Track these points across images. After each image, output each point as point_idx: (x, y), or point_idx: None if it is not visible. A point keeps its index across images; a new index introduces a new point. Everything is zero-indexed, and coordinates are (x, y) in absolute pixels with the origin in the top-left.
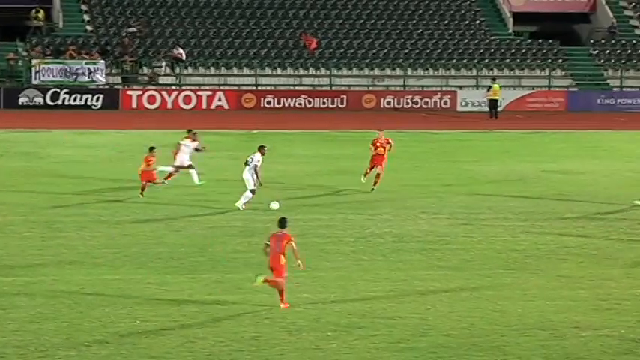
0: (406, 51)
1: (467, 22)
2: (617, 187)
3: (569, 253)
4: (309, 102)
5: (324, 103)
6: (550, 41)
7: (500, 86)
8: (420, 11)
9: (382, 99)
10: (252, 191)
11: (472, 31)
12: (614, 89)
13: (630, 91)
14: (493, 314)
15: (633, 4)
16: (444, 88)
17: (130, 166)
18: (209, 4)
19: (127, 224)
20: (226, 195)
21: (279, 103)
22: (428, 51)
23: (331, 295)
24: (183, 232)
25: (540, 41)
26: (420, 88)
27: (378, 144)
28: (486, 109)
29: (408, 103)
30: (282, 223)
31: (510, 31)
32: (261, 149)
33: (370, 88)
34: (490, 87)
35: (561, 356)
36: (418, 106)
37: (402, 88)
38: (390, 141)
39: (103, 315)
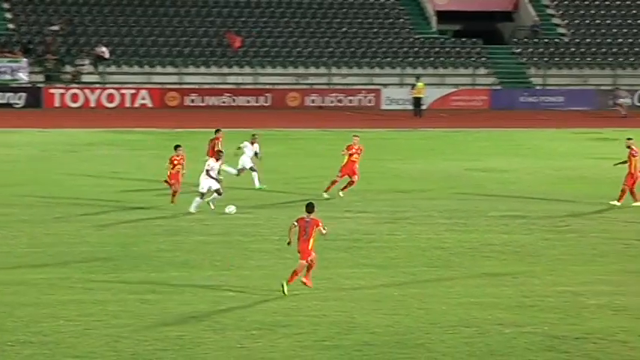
0: (330, 49)
1: (391, 20)
2: (540, 184)
3: (492, 250)
4: (234, 100)
5: (248, 101)
6: (474, 40)
7: (425, 84)
8: (344, 9)
9: (306, 97)
10: (202, 195)
11: (396, 30)
12: (537, 87)
13: (553, 89)
14: (418, 312)
15: (556, 2)
16: (368, 87)
17: (52, 165)
18: (132, 2)
19: (51, 223)
20: (150, 194)
21: (203, 101)
22: (352, 49)
23: (255, 294)
24: (107, 231)
25: (464, 40)
26: (345, 87)
27: (354, 150)
28: (411, 107)
29: (332, 102)
30: (310, 207)
31: (434, 29)
32: (217, 153)
33: (294, 86)
34: (414, 85)
35: (485, 353)
36: (342, 104)
37: (326, 87)
38: (362, 148)
39: (25, 315)
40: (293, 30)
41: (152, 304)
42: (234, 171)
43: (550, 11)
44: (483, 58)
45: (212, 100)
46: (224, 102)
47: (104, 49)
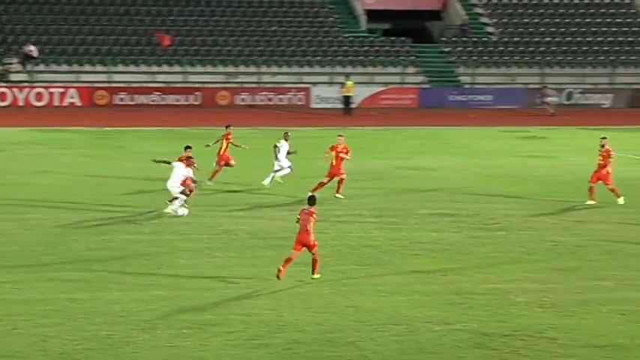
0: (260, 48)
1: (320, 19)
2: (469, 182)
3: (422, 248)
4: (163, 99)
5: (177, 100)
6: (403, 39)
7: (354, 83)
8: (274, 8)
9: (236, 96)
10: (183, 192)
11: (326, 29)
12: (466, 86)
13: (481, 88)
14: (347, 310)
15: (484, 2)
16: (297, 85)
17: None
18: (60, 0)
19: None
20: (78, 193)
21: (132, 100)
22: (282, 48)
23: (185, 292)
24: (36, 230)
25: (393, 39)
26: (275, 85)
27: (339, 149)
28: (340, 105)
29: (262, 100)
30: (312, 200)
31: (363, 28)
32: (187, 160)
33: (224, 85)
34: (344, 84)
35: (415, 351)
36: (272, 102)
37: (256, 85)
38: (348, 148)
39: None
40: (223, 29)
41: (81, 303)
42: (287, 169)
43: (478, 10)
44: (412, 57)
45: (141, 98)
46: (153, 100)
47: (32, 47)
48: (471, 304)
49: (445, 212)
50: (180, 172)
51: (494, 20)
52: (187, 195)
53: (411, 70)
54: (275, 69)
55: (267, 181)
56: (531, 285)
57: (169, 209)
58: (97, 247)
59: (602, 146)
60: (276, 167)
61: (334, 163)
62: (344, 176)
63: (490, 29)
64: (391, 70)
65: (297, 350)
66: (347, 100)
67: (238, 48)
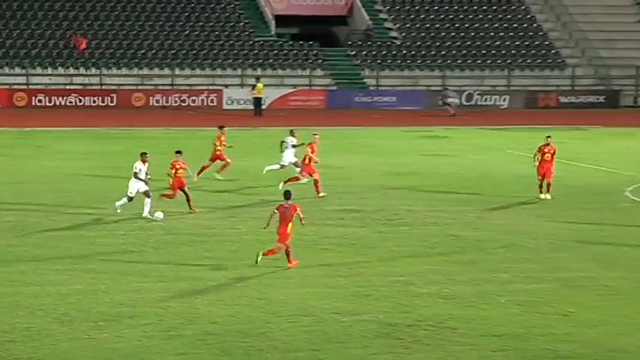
0: (174, 51)
1: (232, 24)
2: (375, 180)
3: (330, 243)
4: (80, 100)
5: (94, 101)
6: (310, 43)
7: (264, 85)
8: (187, 13)
9: (151, 97)
10: (131, 198)
11: (237, 33)
12: (371, 88)
13: (386, 89)
14: (258, 302)
15: (388, 7)
16: (210, 87)
17: None
18: None
19: None
20: None
21: (50, 101)
22: (195, 51)
23: (102, 286)
24: None
25: (301, 43)
26: (188, 87)
27: (315, 147)
28: (251, 107)
29: (176, 102)
30: (288, 195)
31: (273, 33)
32: (142, 156)
33: (139, 87)
34: (254, 86)
35: (323, 341)
36: (186, 104)
37: (170, 87)
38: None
39: None
40: (138, 32)
41: (2, 297)
42: (276, 166)
43: (383, 16)
44: (320, 60)
45: (59, 100)
46: (71, 102)
47: None
48: (377, 296)
49: (352, 208)
50: (142, 173)
51: (398, 25)
52: (149, 196)
53: (318, 72)
54: (188, 71)
55: (270, 167)
56: (433, 277)
57: (145, 214)
58: (17, 244)
59: (548, 144)
60: (281, 163)
61: (308, 162)
62: (316, 176)
63: (394, 34)
64: (300, 72)
65: (210, 341)
66: (257, 101)
67: (153, 51)
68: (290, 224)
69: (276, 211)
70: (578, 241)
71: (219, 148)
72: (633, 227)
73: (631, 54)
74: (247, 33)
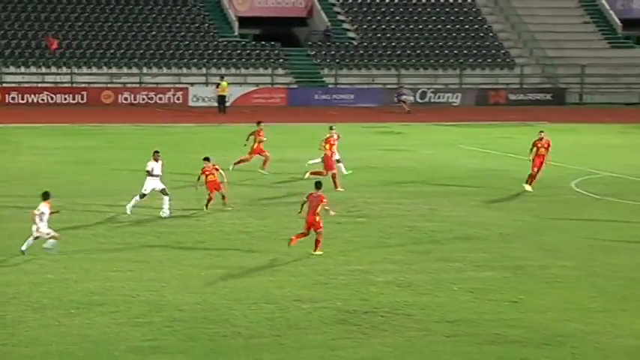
0: (141, 51)
1: (197, 25)
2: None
3: (291, 234)
4: (52, 98)
5: (65, 99)
6: (272, 43)
7: (228, 84)
8: (154, 15)
9: (120, 95)
10: (144, 195)
11: (202, 34)
12: (330, 86)
13: (344, 87)
14: (223, 290)
15: (346, 9)
16: (176, 85)
17: None
18: None
19: None
20: None
21: (23, 99)
22: (162, 51)
23: (73, 275)
24: None
25: (263, 43)
26: (155, 85)
27: (332, 142)
28: (215, 104)
29: (143, 99)
30: (319, 185)
31: (236, 33)
32: (154, 154)
33: (108, 85)
34: (219, 84)
35: (284, 327)
36: (153, 101)
37: (138, 85)
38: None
39: None
40: (107, 32)
41: None
42: (318, 160)
43: (341, 17)
44: (281, 60)
45: (32, 97)
46: (43, 99)
47: None
48: (336, 284)
49: None
50: (156, 170)
51: (355, 26)
52: (167, 194)
53: (280, 71)
54: (155, 70)
55: (344, 171)
56: (390, 266)
57: (165, 213)
58: None
59: (541, 139)
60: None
61: (328, 155)
62: (335, 171)
63: (351, 34)
64: (262, 71)
65: (177, 327)
66: (222, 99)
67: (121, 51)
68: (317, 212)
69: (306, 199)
70: (527, 231)
71: (258, 142)
72: (579, 218)
73: (576, 54)
74: (212, 34)
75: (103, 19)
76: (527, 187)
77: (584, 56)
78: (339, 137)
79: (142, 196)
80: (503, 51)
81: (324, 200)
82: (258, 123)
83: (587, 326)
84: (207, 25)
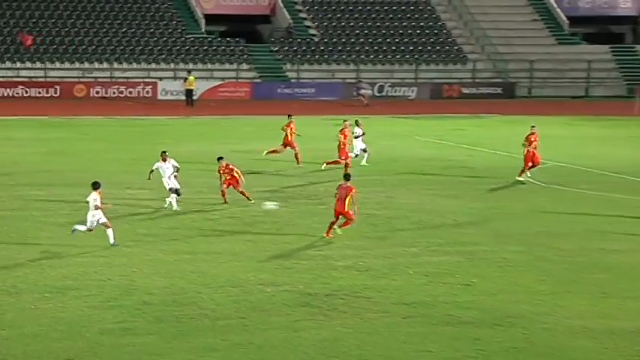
0: (112, 46)
1: (165, 22)
2: (290, 164)
3: (255, 221)
4: (26, 92)
5: (39, 92)
6: (237, 39)
7: (195, 78)
8: (124, 12)
9: (92, 89)
10: (175, 191)
11: (170, 30)
12: (292, 81)
13: (305, 82)
14: (191, 275)
15: (307, 7)
16: (146, 80)
17: None
18: None
19: None
20: None
21: None
22: (132, 47)
23: (48, 260)
24: None
25: (229, 39)
26: (125, 80)
27: (346, 133)
28: (183, 97)
29: (114, 93)
30: (347, 177)
31: (203, 30)
32: (162, 154)
33: (81, 79)
34: (186, 79)
35: (249, 309)
36: (123, 95)
37: (109, 80)
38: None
39: None
40: (79, 29)
41: None
42: (359, 152)
43: (303, 15)
44: (245, 55)
45: (7, 91)
46: (18, 93)
47: None
48: (298, 269)
49: (274, 190)
50: (167, 170)
51: (316, 24)
52: (179, 194)
53: (244, 66)
54: (125, 65)
55: (363, 160)
56: (349, 251)
57: (170, 202)
58: None
59: (533, 133)
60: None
61: (342, 146)
62: (349, 160)
63: (313, 31)
64: (227, 66)
65: (147, 310)
66: (189, 92)
67: (93, 47)
68: (346, 202)
69: (336, 190)
70: (479, 218)
71: (289, 135)
72: (528, 206)
73: (526, 50)
74: (179, 30)
75: (76, 16)
76: (521, 178)
77: (532, 52)
78: (364, 133)
79: (174, 191)
80: (456, 47)
81: (353, 191)
82: (289, 116)
83: (536, 307)
84: (175, 22)
